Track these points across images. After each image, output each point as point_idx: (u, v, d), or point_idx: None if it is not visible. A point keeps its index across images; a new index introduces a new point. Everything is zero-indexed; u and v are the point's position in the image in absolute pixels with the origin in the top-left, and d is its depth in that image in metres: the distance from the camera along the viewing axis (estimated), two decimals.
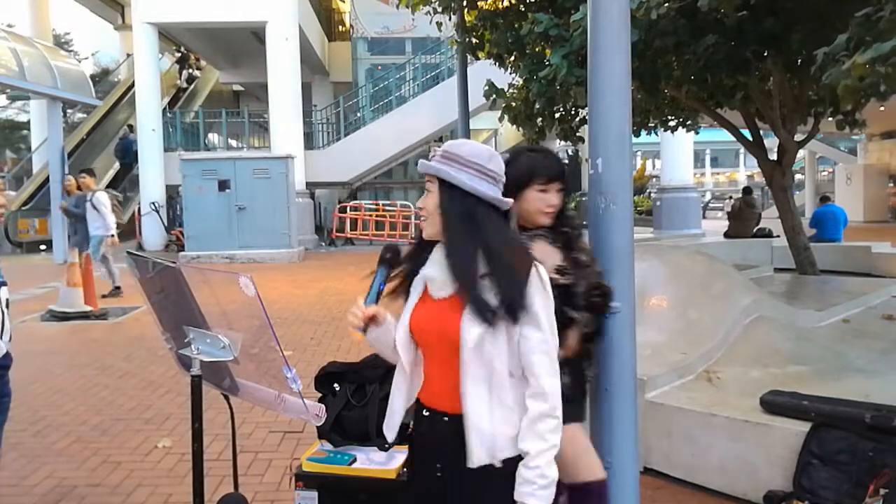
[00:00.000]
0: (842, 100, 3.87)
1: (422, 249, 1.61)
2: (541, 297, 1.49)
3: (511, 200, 1.57)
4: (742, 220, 11.30)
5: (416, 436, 1.64)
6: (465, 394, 1.49)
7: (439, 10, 7.46)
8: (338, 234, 17.16)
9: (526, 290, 1.47)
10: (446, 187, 1.51)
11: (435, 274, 1.55)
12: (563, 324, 1.79)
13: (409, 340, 1.59)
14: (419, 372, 1.61)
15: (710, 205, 37.02)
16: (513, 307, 1.46)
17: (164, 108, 17.82)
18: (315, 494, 2.32)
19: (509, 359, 1.49)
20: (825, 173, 32.71)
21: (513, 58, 6.88)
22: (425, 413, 1.59)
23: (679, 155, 17.28)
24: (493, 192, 1.52)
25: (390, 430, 1.66)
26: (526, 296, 1.47)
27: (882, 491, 2.57)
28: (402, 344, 1.58)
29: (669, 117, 8.05)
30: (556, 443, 1.48)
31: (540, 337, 1.48)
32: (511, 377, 1.50)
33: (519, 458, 1.49)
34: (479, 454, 1.48)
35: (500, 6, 6.94)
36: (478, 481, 1.51)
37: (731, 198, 12.88)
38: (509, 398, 1.50)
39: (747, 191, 12.36)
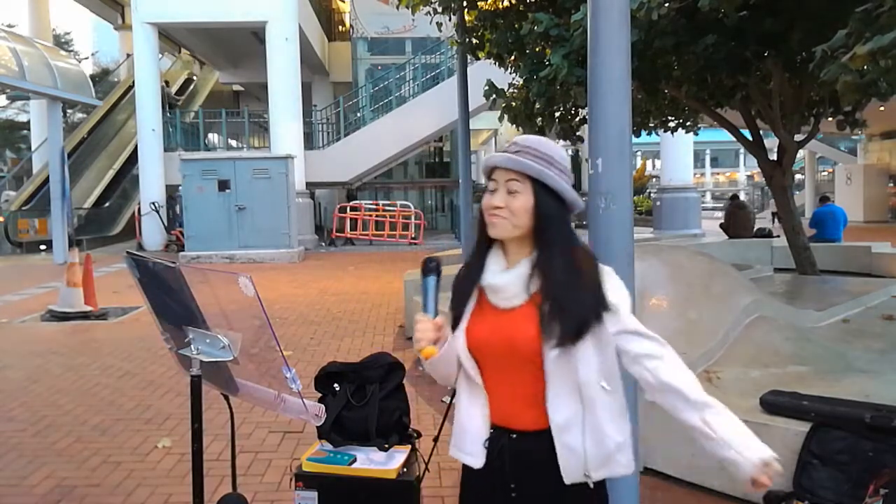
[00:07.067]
0: (841, 96, 3.87)
1: (481, 257, 1.51)
2: (618, 296, 1.43)
3: (582, 204, 1.49)
4: (739, 224, 11.60)
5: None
6: (553, 409, 1.41)
7: (439, 10, 7.46)
8: (338, 234, 17.17)
9: (602, 297, 1.41)
10: (543, 190, 1.42)
11: (502, 283, 1.45)
12: None
13: (469, 354, 1.48)
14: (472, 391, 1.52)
15: (714, 204, 36.89)
16: (583, 326, 1.38)
17: (166, 107, 17.78)
18: (315, 494, 2.31)
19: (601, 366, 1.41)
20: (825, 173, 32.70)
21: (513, 58, 6.88)
22: (490, 430, 1.49)
23: (679, 155, 17.29)
24: (577, 197, 1.46)
25: (475, 457, 1.49)
26: (602, 302, 1.41)
27: (882, 491, 2.57)
28: (466, 357, 1.47)
29: (669, 118, 8.06)
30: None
31: (636, 333, 1.42)
32: (605, 390, 1.41)
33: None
34: (573, 473, 1.41)
35: (500, 6, 6.94)
36: (565, 498, 1.44)
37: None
38: (604, 415, 1.41)
39: (734, 197, 13.26)
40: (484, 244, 1.50)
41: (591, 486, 1.43)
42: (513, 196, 1.42)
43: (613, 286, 1.43)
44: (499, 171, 1.45)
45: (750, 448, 1.33)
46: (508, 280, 1.44)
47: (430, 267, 1.50)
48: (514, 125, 7.46)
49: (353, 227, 17.36)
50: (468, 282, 1.50)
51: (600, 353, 1.41)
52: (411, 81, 18.83)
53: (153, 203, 15.74)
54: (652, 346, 1.41)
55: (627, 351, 1.41)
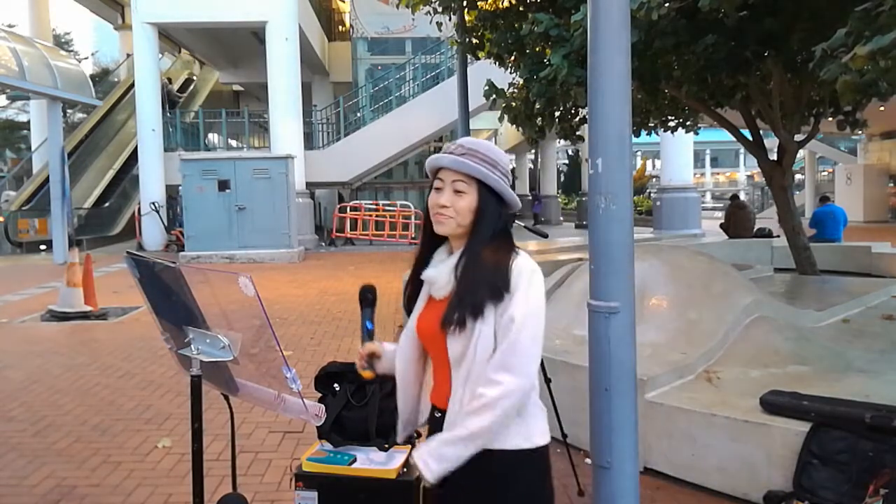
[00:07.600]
0: (841, 96, 3.87)
1: (428, 252, 1.60)
2: (522, 289, 1.45)
3: (520, 203, 1.59)
4: (739, 224, 11.65)
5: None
6: (453, 389, 1.50)
7: (439, 10, 7.47)
8: (338, 234, 17.17)
9: (495, 284, 1.45)
10: (487, 193, 1.49)
11: (436, 275, 1.53)
12: None
13: (409, 345, 1.61)
14: (431, 375, 1.63)
15: (714, 204, 36.83)
16: (475, 308, 1.43)
17: (166, 105, 17.78)
18: (315, 494, 2.31)
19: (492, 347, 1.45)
20: (825, 173, 32.71)
21: (513, 58, 6.88)
22: (437, 414, 1.61)
23: (679, 155, 17.29)
24: (516, 198, 1.55)
25: (399, 432, 1.72)
26: (496, 289, 1.44)
27: (882, 491, 2.57)
28: (400, 348, 1.62)
29: (669, 117, 8.06)
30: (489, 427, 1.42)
31: (515, 327, 1.43)
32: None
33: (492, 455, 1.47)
34: None
35: (500, 6, 6.94)
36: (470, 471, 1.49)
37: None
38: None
39: (735, 197, 13.30)
40: (431, 240, 1.58)
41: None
42: (458, 196, 1.49)
43: (522, 282, 1.44)
44: (445, 171, 1.52)
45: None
46: (437, 272, 1.53)
47: (366, 298, 1.77)
48: (514, 125, 7.46)
49: (353, 227, 17.36)
50: (413, 277, 1.62)
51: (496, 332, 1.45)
52: (411, 81, 18.81)
53: (153, 203, 15.73)
54: (494, 375, 1.41)
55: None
